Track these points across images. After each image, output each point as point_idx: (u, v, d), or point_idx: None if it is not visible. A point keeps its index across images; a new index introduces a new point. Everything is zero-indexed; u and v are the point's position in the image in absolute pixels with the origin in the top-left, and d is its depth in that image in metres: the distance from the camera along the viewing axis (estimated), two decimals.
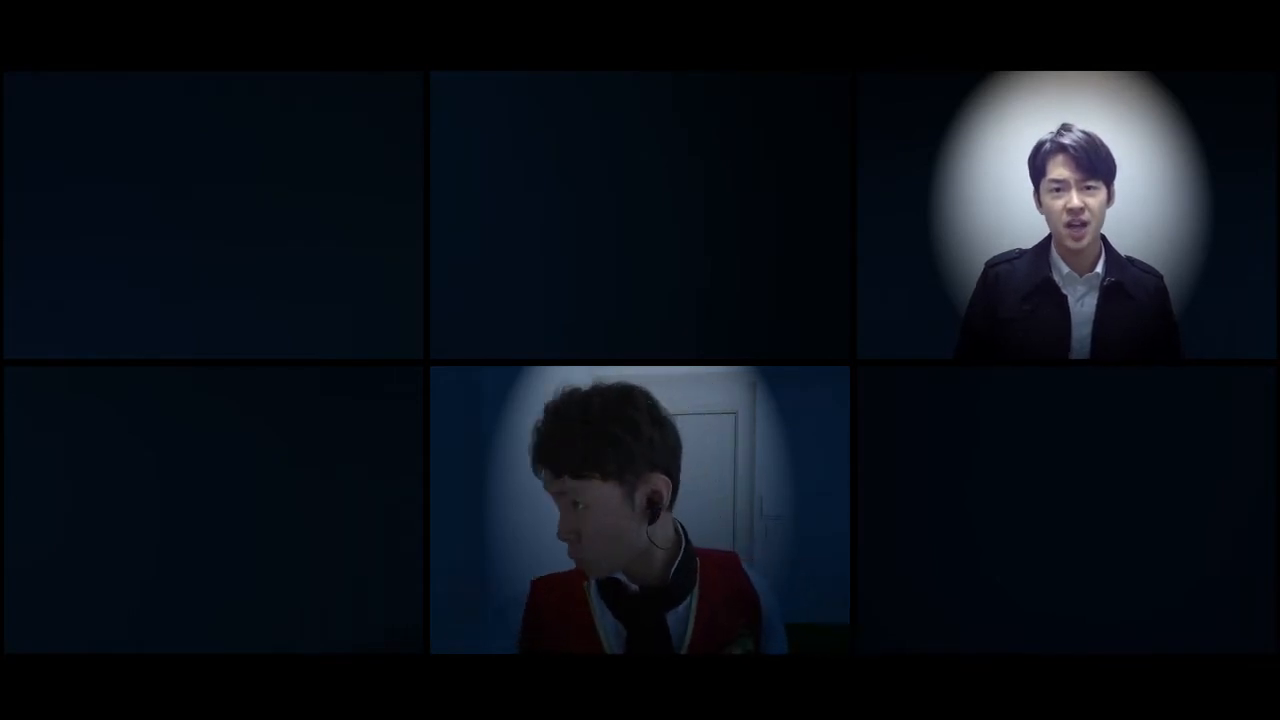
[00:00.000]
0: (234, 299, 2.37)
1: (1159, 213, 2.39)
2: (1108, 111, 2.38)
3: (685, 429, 2.11)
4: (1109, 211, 2.36)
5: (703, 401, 2.28)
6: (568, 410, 2.03)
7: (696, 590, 2.06)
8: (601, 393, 2.04)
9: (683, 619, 2.05)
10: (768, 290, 2.45)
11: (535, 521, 2.36)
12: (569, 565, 2.10)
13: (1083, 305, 2.36)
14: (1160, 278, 2.37)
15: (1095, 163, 2.34)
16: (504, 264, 2.46)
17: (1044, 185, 2.35)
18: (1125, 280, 2.36)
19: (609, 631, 2.05)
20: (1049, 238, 2.36)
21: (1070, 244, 2.34)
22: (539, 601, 2.05)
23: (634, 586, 2.04)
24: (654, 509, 2.02)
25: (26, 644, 2.33)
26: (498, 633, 2.06)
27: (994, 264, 2.37)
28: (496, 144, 2.44)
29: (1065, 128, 2.35)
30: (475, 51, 2.36)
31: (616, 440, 1.99)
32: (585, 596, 2.05)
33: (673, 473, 2.05)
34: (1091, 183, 2.34)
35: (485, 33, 2.36)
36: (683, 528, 2.08)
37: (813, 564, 2.36)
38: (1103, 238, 2.36)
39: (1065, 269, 2.36)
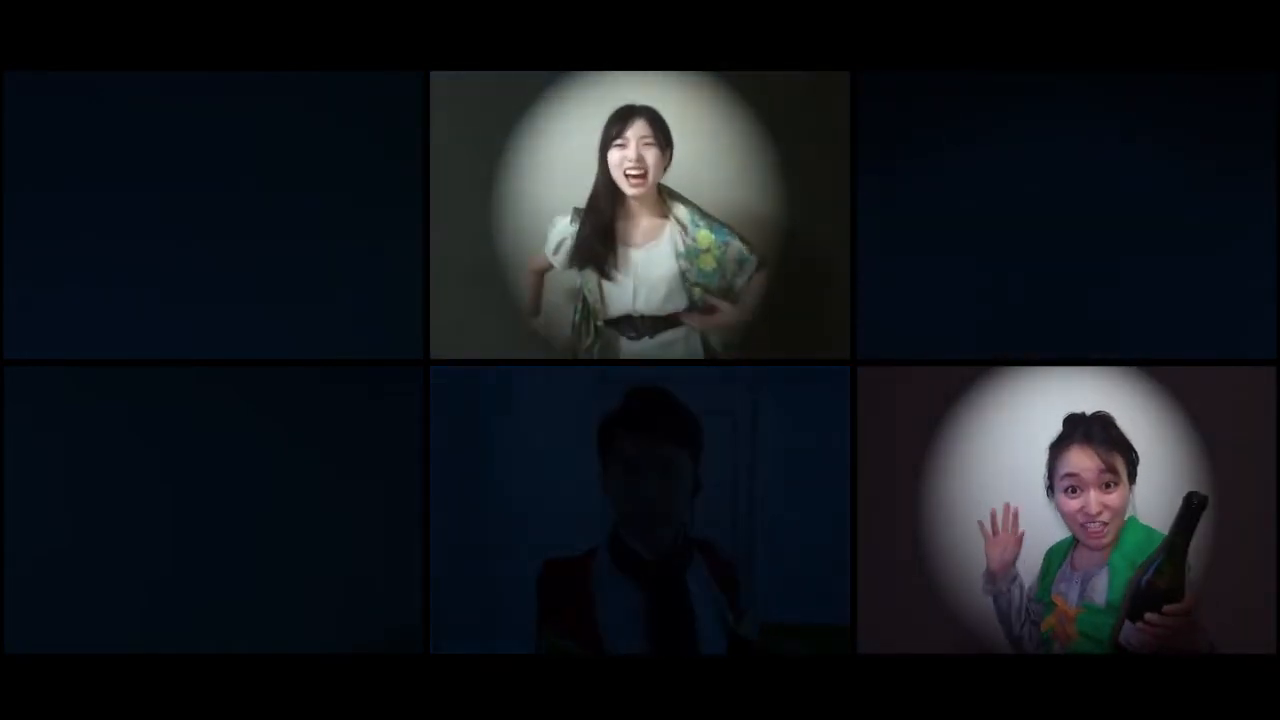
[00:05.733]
0: (234, 299, 2.37)
1: (1159, 213, 2.39)
2: (1108, 111, 2.38)
3: None
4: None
5: (703, 401, 2.28)
6: (655, 391, 2.20)
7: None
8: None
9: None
10: (768, 290, 2.45)
11: (534, 521, 2.37)
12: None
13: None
14: None
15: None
16: (504, 264, 2.47)
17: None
18: None
19: (617, 609, 2.12)
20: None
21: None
22: (549, 578, 2.14)
23: (650, 556, 2.12)
24: (696, 490, 2.17)
25: (25, 644, 2.33)
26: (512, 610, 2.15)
27: None
28: (494, 143, 2.44)
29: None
30: (475, 51, 2.36)
31: (698, 425, 2.16)
32: (589, 580, 2.13)
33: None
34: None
35: (485, 33, 2.36)
36: None
37: (813, 564, 2.36)
38: None
39: None
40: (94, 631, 2.33)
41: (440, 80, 2.39)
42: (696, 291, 2.43)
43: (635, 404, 2.16)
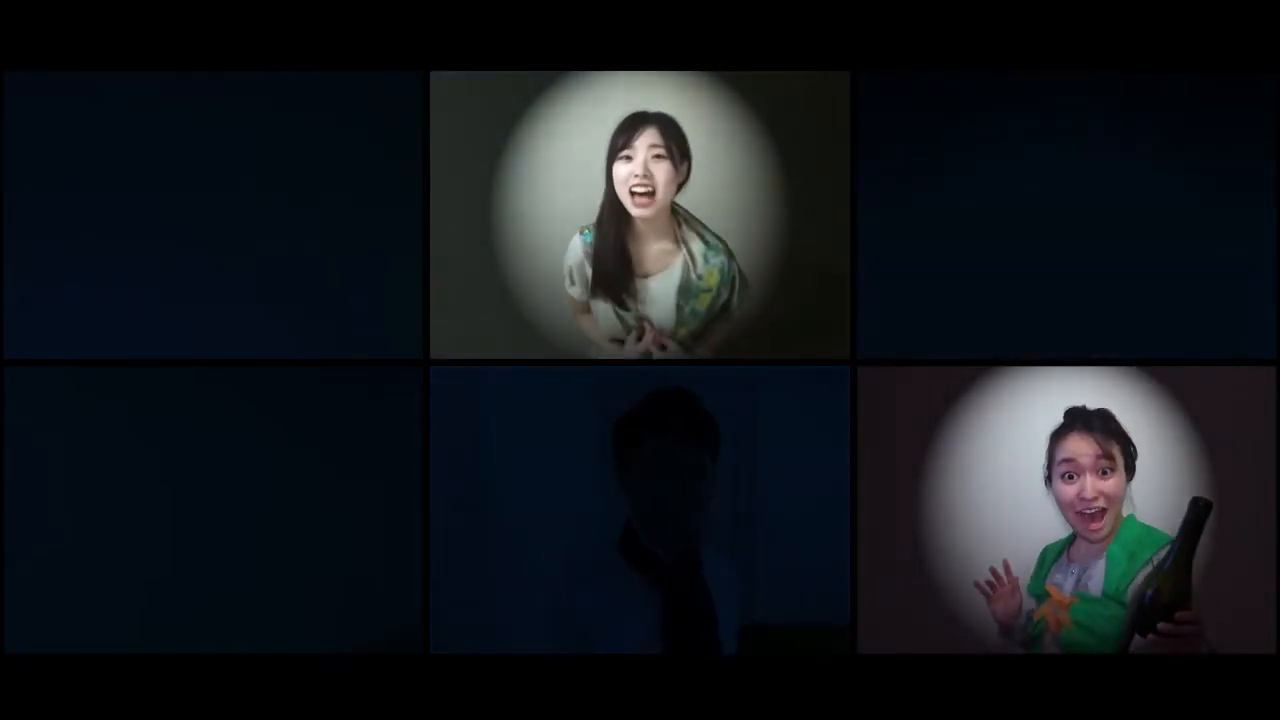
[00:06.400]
0: (234, 299, 2.37)
1: (1158, 213, 2.39)
2: (1108, 111, 2.38)
3: None
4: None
5: (703, 401, 2.28)
6: (675, 391, 2.16)
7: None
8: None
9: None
10: (768, 290, 2.45)
11: (534, 521, 2.37)
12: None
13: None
14: None
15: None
16: (504, 264, 2.47)
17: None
18: None
19: (630, 607, 2.10)
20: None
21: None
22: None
23: (665, 556, 2.10)
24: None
25: (25, 644, 2.33)
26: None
27: None
28: (494, 143, 2.44)
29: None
30: (475, 51, 2.37)
31: (717, 425, 2.14)
32: None
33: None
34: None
35: (485, 33, 2.36)
36: None
37: (813, 564, 2.36)
38: None
39: None
40: (94, 631, 2.33)
41: (440, 80, 2.39)
42: (681, 331, 2.41)
43: (655, 403, 2.15)
